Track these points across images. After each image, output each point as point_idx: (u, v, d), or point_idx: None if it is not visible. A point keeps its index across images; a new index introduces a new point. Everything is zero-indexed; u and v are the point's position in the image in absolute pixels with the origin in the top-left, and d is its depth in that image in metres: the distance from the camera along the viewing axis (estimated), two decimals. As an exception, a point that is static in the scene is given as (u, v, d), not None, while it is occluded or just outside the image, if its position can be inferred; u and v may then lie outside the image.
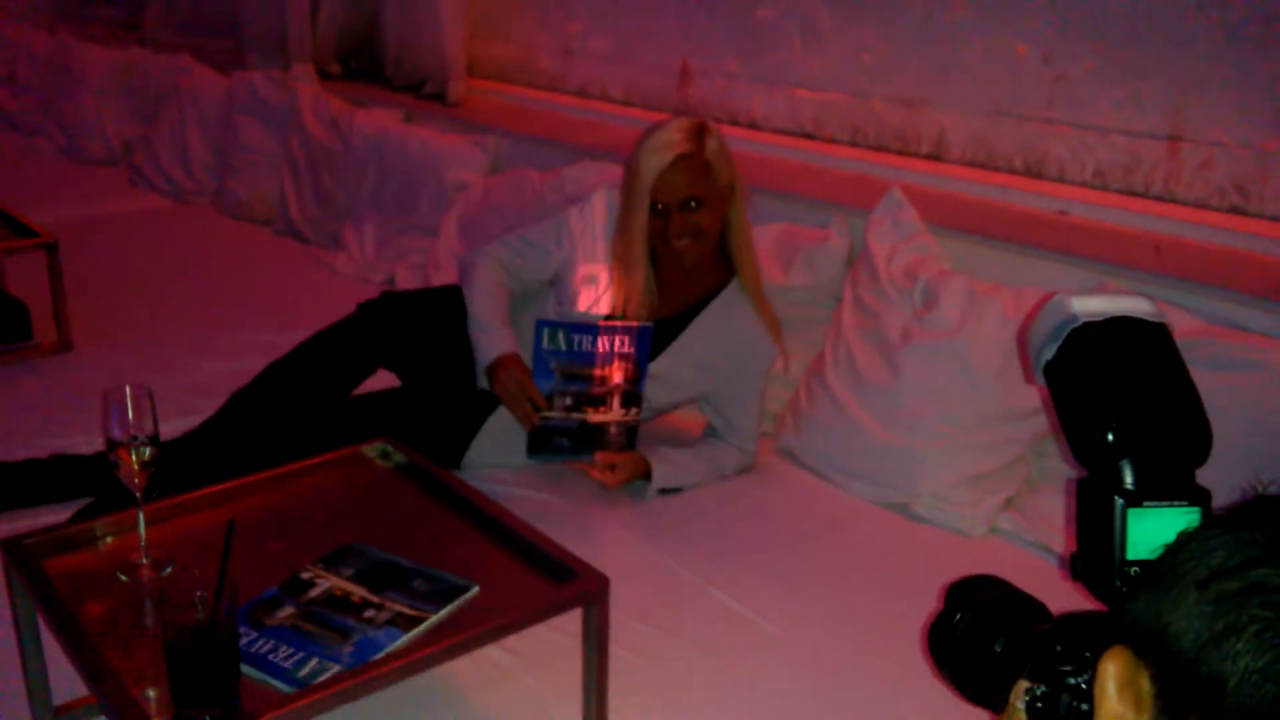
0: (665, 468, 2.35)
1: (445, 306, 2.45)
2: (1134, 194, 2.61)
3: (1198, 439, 0.85)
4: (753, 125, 3.42)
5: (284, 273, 3.82)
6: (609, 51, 3.87)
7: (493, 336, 2.31)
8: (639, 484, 2.35)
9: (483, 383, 2.32)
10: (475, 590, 1.53)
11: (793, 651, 1.89)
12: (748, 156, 2.65)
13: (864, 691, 1.80)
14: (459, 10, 4.11)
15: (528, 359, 2.29)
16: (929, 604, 1.18)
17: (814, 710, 1.76)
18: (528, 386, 2.26)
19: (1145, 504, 0.82)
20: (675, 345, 2.39)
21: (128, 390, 1.55)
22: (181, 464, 2.16)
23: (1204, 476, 0.85)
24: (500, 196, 3.42)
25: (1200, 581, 0.61)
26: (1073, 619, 0.82)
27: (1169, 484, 0.83)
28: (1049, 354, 0.89)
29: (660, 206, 2.24)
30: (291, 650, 1.40)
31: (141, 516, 1.59)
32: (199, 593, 1.27)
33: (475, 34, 4.31)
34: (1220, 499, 0.69)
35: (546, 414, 2.29)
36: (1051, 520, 2.21)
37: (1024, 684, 0.78)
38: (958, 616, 0.90)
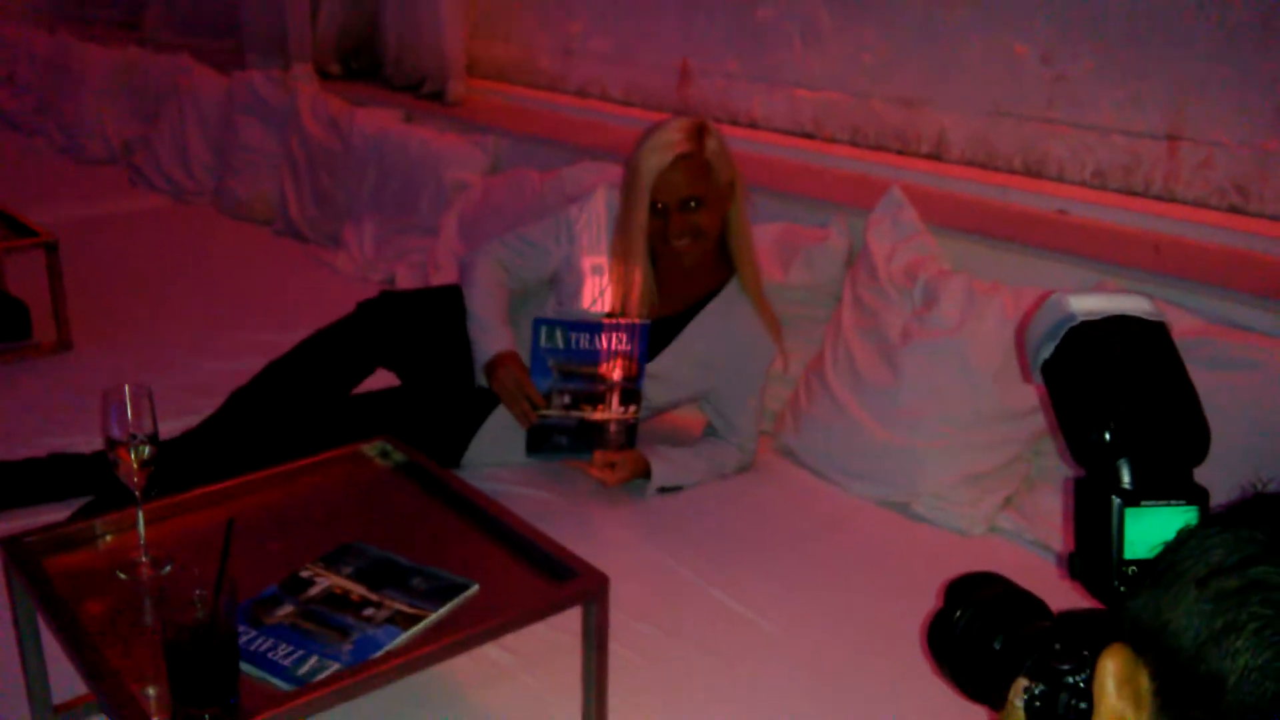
0: (665, 466, 2.35)
1: (445, 306, 2.45)
2: (1134, 193, 2.61)
3: (1196, 438, 0.85)
4: (753, 125, 3.42)
5: (284, 272, 3.82)
6: (609, 51, 3.87)
7: (491, 334, 2.31)
8: (638, 482, 2.35)
9: (481, 380, 2.32)
10: (475, 589, 1.53)
11: (792, 650, 1.89)
12: (748, 156, 2.65)
13: (864, 690, 1.80)
14: (459, 10, 4.11)
15: (526, 357, 2.29)
16: (928, 603, 1.18)
17: (814, 709, 1.76)
18: (526, 385, 2.26)
19: (1143, 503, 0.82)
20: (675, 344, 2.40)
21: (127, 389, 1.55)
22: (181, 463, 2.16)
23: (1203, 475, 0.85)
24: (500, 196, 3.42)
25: (1200, 579, 0.61)
26: (1071, 617, 0.82)
27: (1167, 483, 0.83)
28: (1047, 353, 0.89)
29: (660, 206, 2.25)
30: (291, 648, 1.40)
31: (141, 515, 1.59)
32: (198, 591, 1.27)
33: (475, 34, 4.31)
34: (1220, 498, 0.70)
35: (545, 412, 2.29)
36: (1050, 519, 2.21)
37: (1023, 682, 0.78)
38: (957, 614, 0.90)
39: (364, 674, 1.36)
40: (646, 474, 2.34)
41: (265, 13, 4.72)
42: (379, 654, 1.40)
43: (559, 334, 2.25)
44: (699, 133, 2.25)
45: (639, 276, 2.30)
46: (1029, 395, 2.25)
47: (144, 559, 1.58)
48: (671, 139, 2.23)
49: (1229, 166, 2.45)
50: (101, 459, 1.76)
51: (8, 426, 2.62)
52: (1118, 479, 0.83)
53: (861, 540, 2.24)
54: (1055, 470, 2.30)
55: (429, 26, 4.14)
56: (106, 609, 1.49)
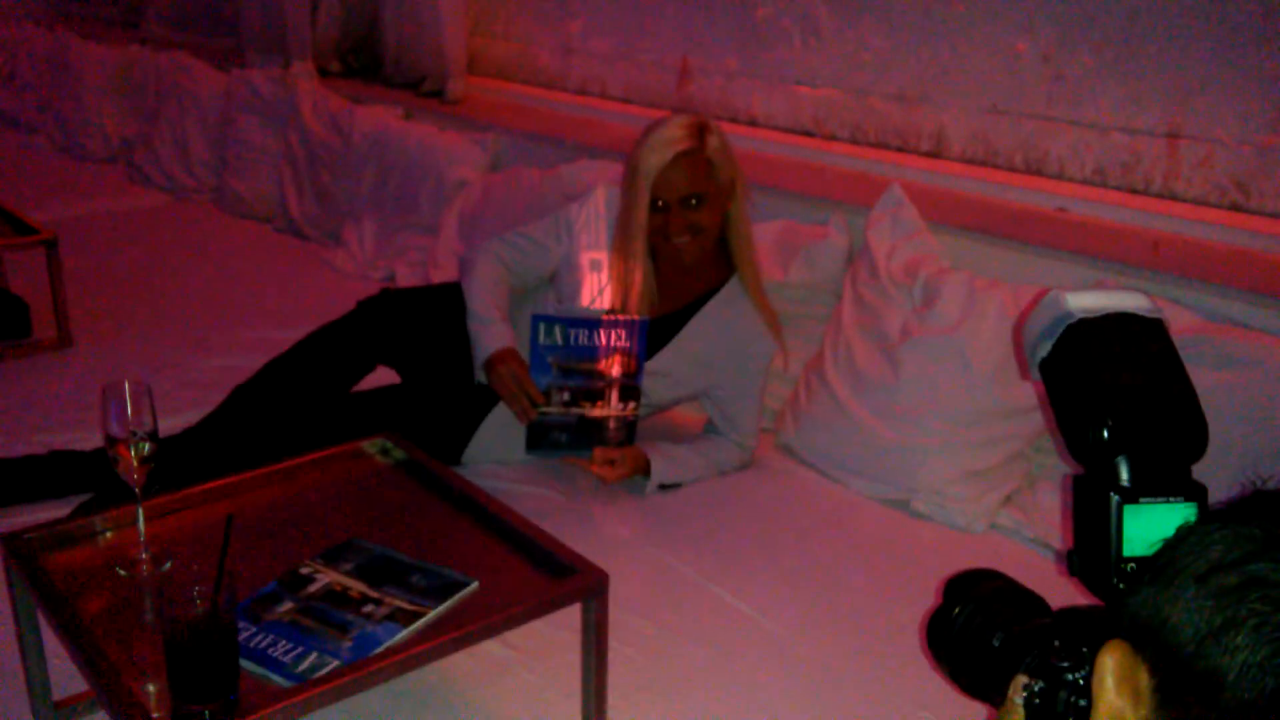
0: (664, 463, 2.35)
1: (445, 303, 2.45)
2: (1134, 191, 2.61)
3: (1194, 435, 0.85)
4: (752, 123, 3.41)
5: (284, 270, 3.82)
6: (609, 49, 3.87)
7: (491, 331, 2.31)
8: (638, 480, 2.35)
9: (481, 377, 2.32)
10: (474, 585, 1.54)
11: (792, 647, 1.89)
12: (747, 154, 2.66)
13: (863, 687, 1.80)
14: (459, 8, 4.11)
15: (525, 354, 2.29)
16: (928, 600, 1.18)
17: (813, 705, 1.76)
18: (525, 381, 2.26)
19: (1142, 500, 0.82)
20: (675, 341, 2.40)
21: (126, 386, 1.55)
22: (182, 460, 2.16)
23: (1202, 473, 0.85)
24: (500, 194, 3.42)
25: (1199, 576, 0.62)
26: (1071, 614, 0.82)
27: (1165, 480, 0.83)
28: (1044, 351, 0.89)
29: (661, 203, 2.25)
30: (291, 645, 1.41)
31: (141, 512, 1.59)
32: (198, 588, 1.27)
33: (475, 31, 4.31)
34: (1219, 495, 0.70)
35: (544, 409, 2.29)
36: (1050, 516, 2.21)
37: (1023, 679, 0.78)
38: (956, 611, 0.90)
39: (364, 671, 1.36)
40: (646, 471, 2.34)
41: (265, 10, 4.71)
42: (379, 651, 1.41)
43: (558, 330, 2.25)
44: (700, 130, 2.25)
45: (639, 274, 2.30)
46: (1029, 393, 2.25)
47: (144, 555, 1.58)
48: (673, 136, 2.23)
49: (1229, 164, 2.45)
50: (102, 456, 1.76)
51: (8, 424, 2.62)
52: (1116, 476, 0.83)
53: (861, 537, 2.24)
54: (1055, 468, 2.30)
55: (429, 24, 4.14)
56: (106, 605, 1.49)
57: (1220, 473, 0.88)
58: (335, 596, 1.51)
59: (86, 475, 2.26)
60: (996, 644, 0.86)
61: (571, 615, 1.57)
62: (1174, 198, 2.54)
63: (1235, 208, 2.45)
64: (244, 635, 1.40)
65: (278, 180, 4.24)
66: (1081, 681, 0.76)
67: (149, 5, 5.97)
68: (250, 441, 2.25)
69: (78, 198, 4.57)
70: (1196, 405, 0.86)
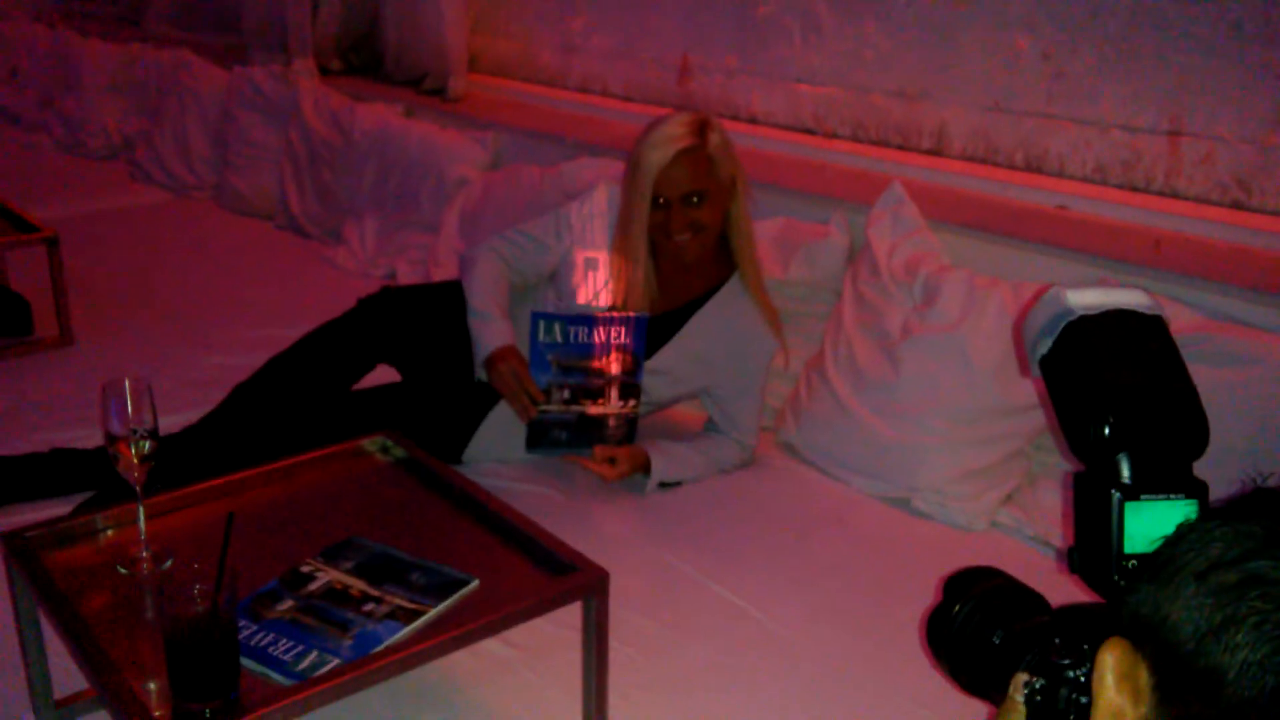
0: (665, 461, 2.35)
1: (446, 302, 2.45)
2: (1134, 189, 2.60)
3: (1195, 432, 0.85)
4: (753, 120, 3.41)
5: (285, 268, 3.82)
6: (610, 47, 3.87)
7: (491, 328, 2.31)
8: (638, 478, 2.35)
9: (481, 375, 2.32)
10: (475, 584, 1.54)
11: (792, 645, 1.89)
12: (748, 152, 2.65)
13: (864, 685, 1.80)
14: (460, 5, 4.11)
15: (525, 352, 2.29)
16: (929, 598, 1.18)
17: (814, 703, 1.76)
18: (525, 379, 2.26)
19: (1142, 497, 0.82)
20: (676, 340, 2.39)
21: (127, 384, 1.55)
22: (182, 458, 2.16)
23: (1203, 471, 0.85)
24: (500, 192, 3.42)
25: (1199, 573, 0.61)
26: (1071, 611, 0.82)
27: (1166, 477, 0.83)
28: (1045, 348, 0.89)
29: (662, 201, 2.24)
30: (291, 643, 1.41)
31: (142, 510, 1.59)
32: (199, 586, 1.27)
33: (476, 29, 4.31)
34: (1220, 493, 0.69)
35: (544, 407, 2.29)
36: (1051, 515, 2.21)
37: (1023, 676, 0.78)
38: (956, 608, 0.90)
39: (364, 669, 1.36)
40: (646, 469, 2.34)
41: (266, 8, 4.71)
42: (379, 649, 1.41)
43: (557, 328, 2.25)
44: (702, 128, 2.25)
45: (640, 272, 2.30)
46: (1029, 391, 2.25)
47: (145, 554, 1.58)
48: (674, 133, 2.23)
49: (1230, 162, 2.44)
50: (102, 454, 1.76)
51: (9, 422, 2.62)
52: (1117, 473, 0.83)
53: (862, 536, 2.24)
54: (1056, 466, 2.30)
55: (430, 22, 4.14)
56: (107, 603, 1.49)
57: (1221, 470, 0.88)
58: (336, 595, 1.51)
59: (87, 473, 2.27)
60: (997, 641, 0.86)
61: (572, 613, 1.57)
62: (1175, 195, 2.54)
63: (1236, 205, 2.45)
64: (244, 633, 1.40)
65: (279, 178, 4.24)
66: (1082, 679, 0.76)
67: (150, 3, 5.97)
68: (251, 440, 2.25)
69: (79, 195, 4.57)
70: (1197, 402, 0.85)
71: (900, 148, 3.05)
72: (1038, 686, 0.77)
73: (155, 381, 1.61)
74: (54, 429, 2.54)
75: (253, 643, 1.40)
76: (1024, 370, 2.22)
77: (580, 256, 2.39)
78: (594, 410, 2.32)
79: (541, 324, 2.25)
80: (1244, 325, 2.10)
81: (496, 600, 1.51)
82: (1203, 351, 2.03)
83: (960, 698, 0.95)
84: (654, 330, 2.33)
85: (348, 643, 1.42)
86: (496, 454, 2.42)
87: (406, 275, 3.55)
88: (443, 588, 1.52)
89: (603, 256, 2.37)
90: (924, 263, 2.44)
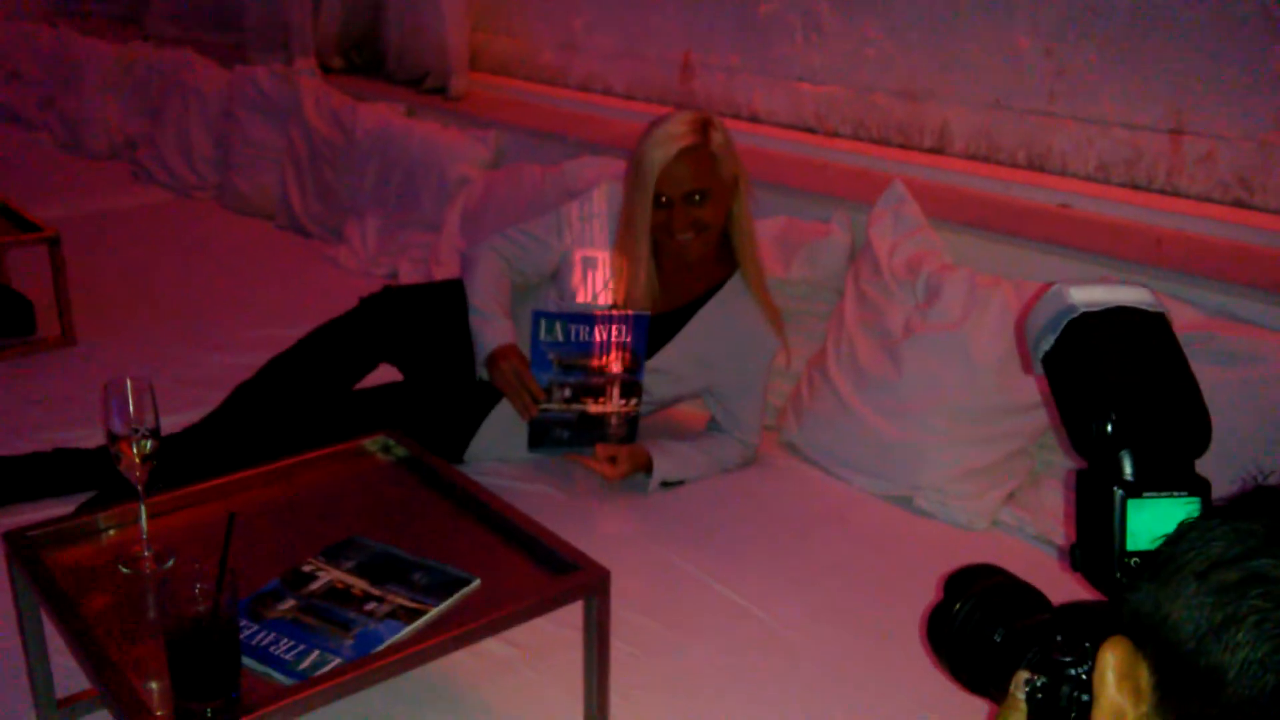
0: (667, 460, 2.35)
1: (447, 301, 2.45)
2: (1136, 187, 2.60)
3: (1197, 429, 0.84)
4: (755, 119, 3.41)
5: (286, 267, 3.82)
6: (611, 46, 3.87)
7: (492, 327, 2.31)
8: (640, 477, 2.35)
9: (482, 373, 2.32)
10: (476, 583, 1.54)
11: (794, 644, 1.89)
12: (750, 150, 2.65)
13: (866, 684, 1.80)
14: (461, 4, 4.10)
15: (526, 351, 2.29)
16: (931, 598, 1.18)
17: (815, 703, 1.76)
18: (526, 377, 2.25)
19: (1145, 495, 0.82)
20: (677, 339, 2.39)
21: (128, 383, 1.55)
22: (184, 457, 2.16)
23: (1206, 468, 0.85)
24: (502, 191, 3.42)
25: (1199, 572, 0.61)
26: (1072, 609, 0.82)
27: (1168, 474, 0.83)
28: (1047, 345, 0.89)
29: (664, 199, 2.24)
30: (292, 643, 1.41)
31: (143, 509, 1.59)
32: (200, 585, 1.27)
33: (478, 28, 4.31)
34: (1222, 491, 0.69)
35: (546, 405, 2.29)
36: (1054, 514, 2.21)
37: (1024, 674, 0.78)
38: (957, 606, 0.90)
39: (365, 668, 1.36)
40: (648, 468, 2.34)
41: (267, 7, 4.71)
42: (380, 648, 1.41)
43: (559, 327, 2.25)
44: (704, 126, 2.24)
45: (642, 270, 2.30)
46: (1031, 389, 2.25)
47: (146, 553, 1.58)
48: (676, 132, 2.23)
49: (1232, 160, 2.44)
50: (104, 454, 1.77)
51: (11, 421, 2.62)
52: (1119, 470, 0.83)
53: (863, 534, 2.24)
54: (1058, 465, 2.30)
55: (431, 21, 4.14)
56: (109, 603, 1.49)
57: (1223, 468, 0.87)
58: (337, 594, 1.51)
59: (90, 473, 2.27)
60: (998, 639, 0.86)
61: (573, 613, 1.57)
62: (1177, 194, 2.54)
63: (1238, 204, 2.45)
64: (246, 633, 1.40)
65: (280, 177, 4.24)
66: (1084, 677, 0.75)
67: (152, 2, 5.97)
68: (252, 439, 2.25)
69: (81, 195, 4.57)
70: (1200, 400, 0.85)
71: (902, 146, 3.04)
72: (1039, 684, 0.77)
73: (157, 381, 1.61)
74: (56, 428, 2.54)
75: (254, 642, 1.40)
76: (1026, 367, 2.21)
77: (581, 255, 2.39)
78: (595, 409, 2.32)
79: (543, 322, 2.25)
80: (1246, 323, 2.10)
81: (498, 599, 1.51)
82: (1204, 350, 2.03)
83: (961, 696, 0.95)
84: (655, 329, 2.33)
85: (349, 642, 1.41)
86: (498, 453, 2.42)
87: (408, 274, 3.55)
88: (444, 587, 1.52)
89: (604, 255, 2.37)
90: (926, 261, 2.44)
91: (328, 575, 1.55)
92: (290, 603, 1.49)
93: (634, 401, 2.33)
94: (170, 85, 4.86)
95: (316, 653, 1.39)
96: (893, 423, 2.35)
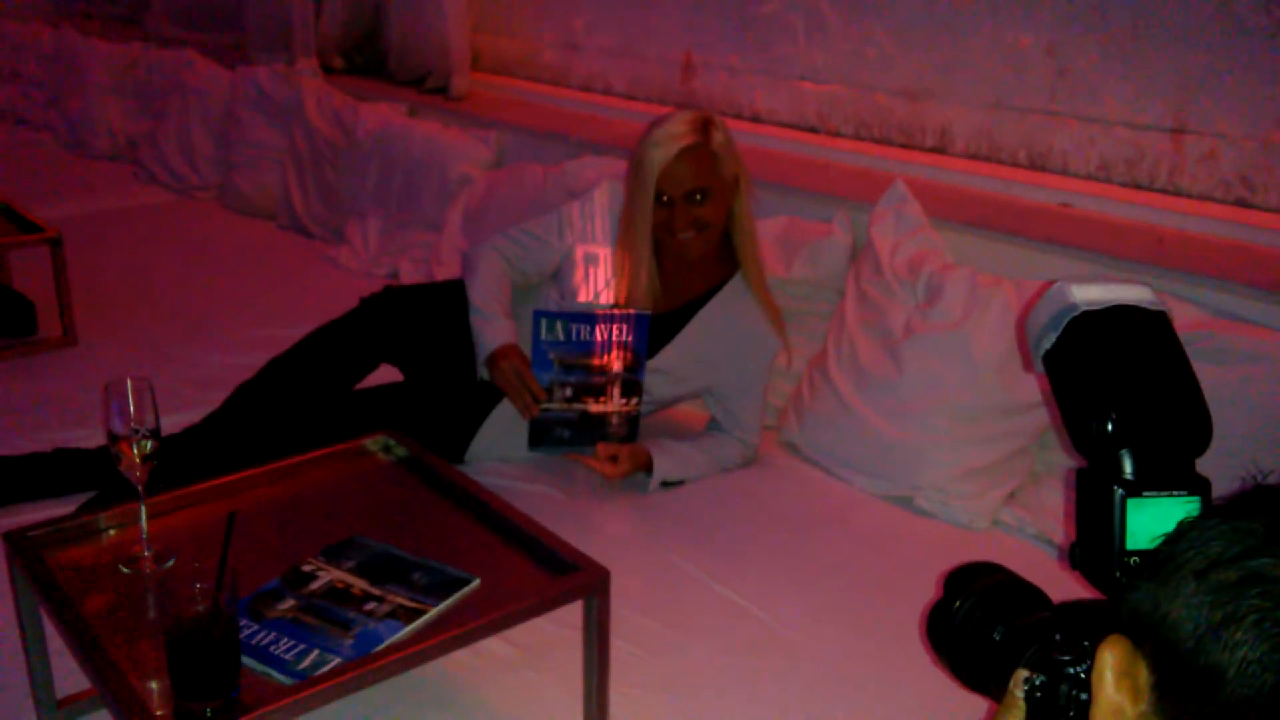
0: (667, 460, 2.35)
1: (448, 301, 2.45)
2: (1138, 187, 2.60)
3: (1198, 428, 0.84)
4: (756, 119, 3.41)
5: (288, 267, 3.82)
6: (612, 46, 3.87)
7: (493, 326, 2.31)
8: (641, 477, 2.35)
9: (483, 373, 2.32)
10: (476, 583, 1.53)
11: (794, 644, 1.89)
12: (751, 150, 2.65)
13: (866, 684, 1.80)
14: (462, 4, 4.11)
15: (527, 351, 2.29)
16: (931, 597, 1.18)
17: (815, 703, 1.76)
18: (527, 377, 2.25)
19: (1145, 494, 0.82)
20: (678, 338, 2.39)
21: (129, 383, 1.55)
22: (185, 457, 2.16)
23: (1206, 467, 0.85)
24: (503, 191, 3.42)
25: (1198, 571, 0.61)
26: (1072, 608, 0.82)
27: (1169, 473, 0.83)
28: (1048, 343, 0.88)
29: (665, 198, 2.24)
30: (292, 642, 1.41)
31: (143, 509, 1.59)
32: (200, 585, 1.27)
33: (479, 28, 4.31)
34: (1221, 491, 0.69)
35: (546, 405, 2.29)
36: (1054, 513, 2.21)
37: (1023, 673, 0.78)
38: (957, 604, 0.90)
39: (365, 668, 1.36)
40: (648, 468, 2.33)
41: (268, 7, 4.71)
42: (380, 648, 1.41)
43: (560, 326, 2.25)
44: (705, 125, 2.24)
45: (643, 270, 2.30)
46: (1032, 389, 2.25)
47: (146, 553, 1.58)
48: (677, 131, 2.23)
49: (1234, 159, 2.44)
50: (105, 454, 1.77)
51: (13, 421, 2.62)
52: (1120, 469, 0.83)
53: (864, 534, 2.24)
54: (1059, 464, 2.30)
55: (433, 21, 4.14)
56: (109, 603, 1.49)
57: (1223, 467, 0.87)
58: (337, 594, 1.51)
59: (90, 473, 2.27)
60: (997, 637, 0.86)
61: (573, 613, 1.57)
62: (1179, 193, 2.54)
63: (1240, 203, 2.45)
64: (246, 633, 1.40)
65: (282, 177, 4.24)
66: (1083, 675, 0.75)
67: (153, 3, 5.98)
68: (253, 439, 2.25)
69: (83, 195, 4.58)
70: (1200, 399, 0.85)
71: (903, 146, 3.04)
72: (1038, 683, 0.77)
73: (158, 381, 1.61)
74: (57, 429, 2.55)
75: (254, 642, 1.40)
76: (1027, 366, 2.21)
77: (582, 254, 2.39)
78: (596, 408, 2.32)
79: (544, 322, 2.25)
80: (1247, 322, 2.10)
81: (498, 599, 1.50)
82: (1205, 349, 2.03)
83: (961, 696, 0.95)
84: (656, 329, 2.33)
85: (349, 642, 1.41)
86: (499, 453, 2.42)
87: (409, 274, 3.55)
88: (444, 587, 1.52)
89: (605, 254, 2.37)
90: (927, 261, 2.44)
91: (328, 575, 1.55)
92: (290, 602, 1.49)
93: (635, 401, 2.33)
94: (172, 85, 4.87)
95: (316, 652, 1.39)
96: (893, 423, 2.35)
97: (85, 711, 1.68)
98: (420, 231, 3.65)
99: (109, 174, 4.98)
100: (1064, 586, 0.88)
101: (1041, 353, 0.90)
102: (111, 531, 1.65)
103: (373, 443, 1.91)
